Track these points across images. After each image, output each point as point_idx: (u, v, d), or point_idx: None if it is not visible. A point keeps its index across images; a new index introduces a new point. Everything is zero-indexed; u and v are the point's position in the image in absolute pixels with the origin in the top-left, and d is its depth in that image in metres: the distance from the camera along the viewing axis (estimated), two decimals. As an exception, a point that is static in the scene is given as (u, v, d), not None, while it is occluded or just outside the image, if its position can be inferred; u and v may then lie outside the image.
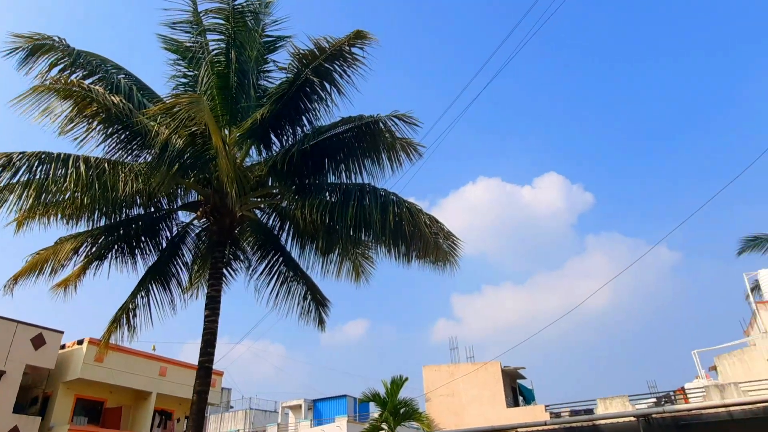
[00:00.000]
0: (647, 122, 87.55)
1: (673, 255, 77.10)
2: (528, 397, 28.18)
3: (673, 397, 21.08)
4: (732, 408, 16.08)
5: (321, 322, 12.25)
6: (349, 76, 9.54)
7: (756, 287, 23.76)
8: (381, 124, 9.50)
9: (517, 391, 27.48)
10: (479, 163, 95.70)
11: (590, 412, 20.01)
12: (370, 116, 9.52)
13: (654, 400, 21.23)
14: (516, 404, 25.70)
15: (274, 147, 10.80)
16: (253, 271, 11.99)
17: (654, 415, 16.70)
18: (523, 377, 27.58)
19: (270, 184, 11.01)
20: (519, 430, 19.64)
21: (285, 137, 10.65)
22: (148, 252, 11.30)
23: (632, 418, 16.57)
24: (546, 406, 22.06)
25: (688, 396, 20.71)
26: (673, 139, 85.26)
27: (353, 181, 10.42)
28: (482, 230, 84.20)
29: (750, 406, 15.83)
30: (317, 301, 12.15)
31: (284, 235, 11.60)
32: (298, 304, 12.02)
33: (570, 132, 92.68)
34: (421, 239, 9.21)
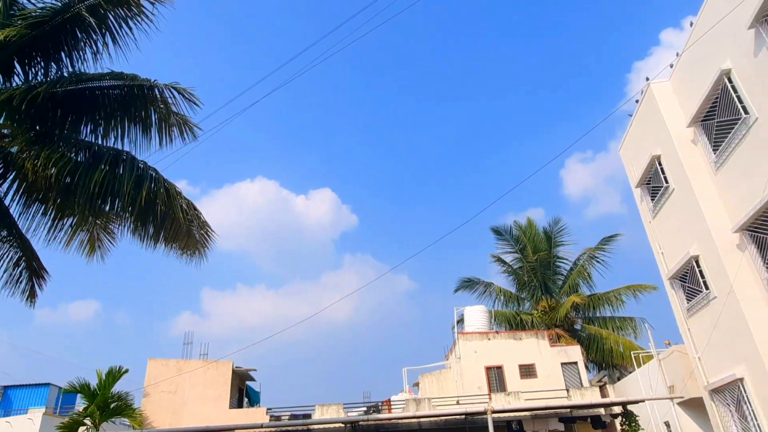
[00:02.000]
0: (421, 162, 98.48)
1: (411, 284, 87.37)
2: (254, 399, 28.40)
3: (380, 407, 23.68)
4: (422, 419, 18.80)
5: (32, 296, 10.42)
6: (130, 28, 8.61)
7: (461, 320, 28.47)
8: (157, 92, 8.78)
9: (244, 393, 27.47)
10: (262, 163, 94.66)
11: (308, 416, 21.18)
12: (146, 79, 8.71)
13: (365, 408, 23.58)
14: (240, 405, 25.65)
15: (17, 79, 9.05)
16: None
17: (361, 422, 18.50)
18: (252, 379, 27.73)
19: (1, 121, 9.14)
20: (236, 431, 19.65)
21: (34, 71, 9.02)
22: None
23: (342, 424, 18.09)
24: (268, 409, 22.55)
25: (393, 407, 23.55)
26: (439, 180, 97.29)
27: (113, 146, 9.33)
28: (249, 229, 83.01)
29: (435, 419, 18.74)
30: (33, 271, 10.32)
31: (5, 185, 9.68)
32: (6, 270, 10.08)
33: (353, 154, 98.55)
34: (174, 223, 8.69)
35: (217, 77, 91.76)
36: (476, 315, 27.11)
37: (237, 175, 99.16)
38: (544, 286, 31.11)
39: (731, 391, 12.61)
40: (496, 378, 24.60)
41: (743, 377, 11.89)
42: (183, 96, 8.96)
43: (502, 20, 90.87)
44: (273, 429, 19.42)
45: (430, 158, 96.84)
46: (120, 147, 9.32)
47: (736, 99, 11.76)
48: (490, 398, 21.49)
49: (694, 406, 17.72)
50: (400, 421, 19.02)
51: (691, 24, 13.65)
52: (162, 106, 8.96)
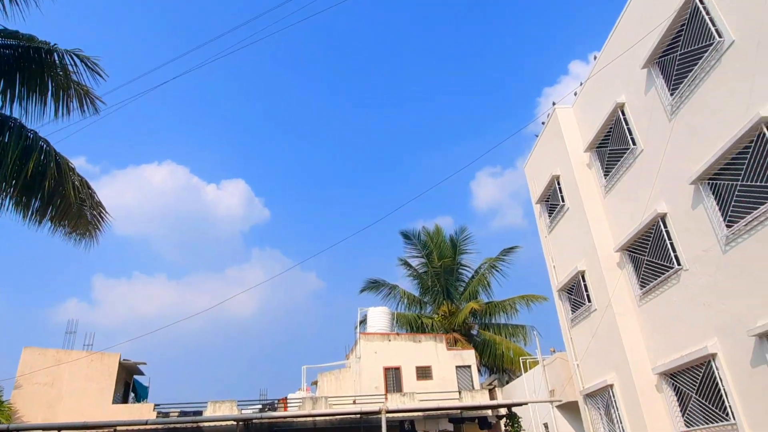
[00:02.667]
0: (341, 162, 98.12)
1: (319, 282, 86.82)
2: (141, 395, 26.80)
3: (275, 405, 23.31)
4: (317, 418, 18.74)
5: None
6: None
7: (364, 320, 28.78)
8: (56, 57, 8.07)
9: (130, 387, 25.85)
10: (173, 147, 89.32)
11: (199, 413, 20.35)
12: (44, 42, 7.98)
13: (260, 406, 23.09)
14: (125, 401, 24.12)
15: None
16: None
17: (254, 421, 18.09)
18: (141, 373, 26.16)
19: None
20: (118, 428, 18.44)
21: None
22: None
23: (233, 422, 17.57)
24: (156, 405, 21.39)
25: (289, 405, 23.28)
26: (357, 181, 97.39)
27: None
28: (151, 215, 78.18)
29: (330, 417, 18.76)
30: None
31: None
32: None
33: (271, 148, 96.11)
34: (64, 201, 8.02)
35: (135, 52, 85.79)
36: (379, 316, 27.52)
37: (143, 157, 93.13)
38: (446, 291, 32.25)
39: (602, 396, 13.82)
40: (393, 379, 25.12)
41: (613, 383, 13.08)
42: (86, 65, 8.31)
43: (429, 41, 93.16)
44: (159, 426, 18.45)
45: (349, 160, 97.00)
46: (8, 113, 8.46)
47: (627, 131, 12.94)
48: (386, 398, 21.90)
49: (570, 409, 19.18)
50: (294, 419, 18.83)
51: (595, 58, 14.84)
52: (61, 73, 8.25)
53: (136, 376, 26.25)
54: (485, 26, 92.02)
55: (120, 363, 22.94)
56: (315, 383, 27.60)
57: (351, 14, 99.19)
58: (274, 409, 22.64)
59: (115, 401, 21.69)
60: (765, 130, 8.48)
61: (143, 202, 76.10)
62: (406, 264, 33.70)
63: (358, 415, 18.67)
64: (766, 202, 8.59)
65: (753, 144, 8.81)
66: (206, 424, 18.48)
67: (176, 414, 21.30)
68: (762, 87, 8.62)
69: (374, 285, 33.00)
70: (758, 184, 8.76)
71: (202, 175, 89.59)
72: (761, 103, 8.59)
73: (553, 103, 17.03)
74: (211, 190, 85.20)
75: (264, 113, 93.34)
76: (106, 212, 8.76)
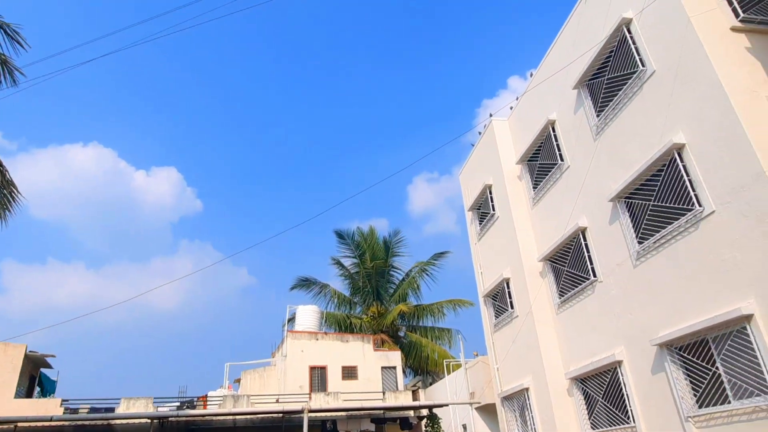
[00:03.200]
0: (280, 159, 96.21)
1: (250, 278, 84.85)
2: (48, 389, 25.05)
3: (195, 403, 22.52)
4: (237, 417, 18.30)
5: None
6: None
7: (293, 318, 28.43)
8: (-32, 21, 7.41)
9: (36, 381, 24.10)
10: (100, 128, 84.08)
11: (111, 410, 19.31)
12: (-46, 3, 7.32)
13: (178, 404, 22.21)
14: (29, 395, 22.47)
15: None
16: None
17: (170, 419, 17.40)
18: (49, 366, 24.47)
19: None
20: (20, 424, 17.16)
21: None
22: None
23: (147, 420, 16.83)
24: (63, 400, 20.08)
25: (209, 403, 22.55)
26: (297, 179, 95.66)
27: None
28: (72, 198, 73.45)
29: (251, 416, 18.37)
30: None
31: None
32: None
33: (210, 138, 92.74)
34: (-32, 177, 7.38)
35: (68, 26, 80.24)
36: (308, 314, 27.28)
37: (67, 136, 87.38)
38: (376, 292, 32.46)
39: (518, 399, 14.40)
40: (319, 378, 24.97)
41: (529, 387, 13.67)
42: (5, 32, 7.71)
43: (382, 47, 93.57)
44: (66, 423, 17.34)
45: (290, 156, 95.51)
46: None
47: (556, 147, 13.58)
48: (310, 398, 21.73)
49: (488, 411, 19.82)
50: (214, 417, 18.28)
51: (531, 75, 15.47)
52: (-27, 37, 7.59)
53: (43, 370, 24.53)
54: (430, 39, 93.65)
55: (26, 355, 21.36)
56: (238, 381, 26.95)
57: (297, 10, 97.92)
58: (193, 407, 21.86)
59: (17, 395, 20.15)
60: (676, 155, 9.17)
61: (63, 184, 71.46)
62: (339, 263, 33.65)
63: (280, 415, 18.41)
64: (673, 222, 9.28)
65: (665, 168, 9.50)
66: (118, 421, 17.57)
67: (86, 410, 20.08)
68: (676, 116, 9.31)
69: (305, 283, 32.70)
70: (667, 205, 9.46)
71: (131, 159, 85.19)
72: (674, 131, 9.28)
73: (490, 115, 17.59)
74: (140, 177, 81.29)
75: (205, 101, 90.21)
76: (18, 193, 8.15)
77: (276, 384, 24.77)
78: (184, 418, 17.60)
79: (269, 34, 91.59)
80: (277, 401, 21.02)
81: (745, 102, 8.12)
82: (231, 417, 18.47)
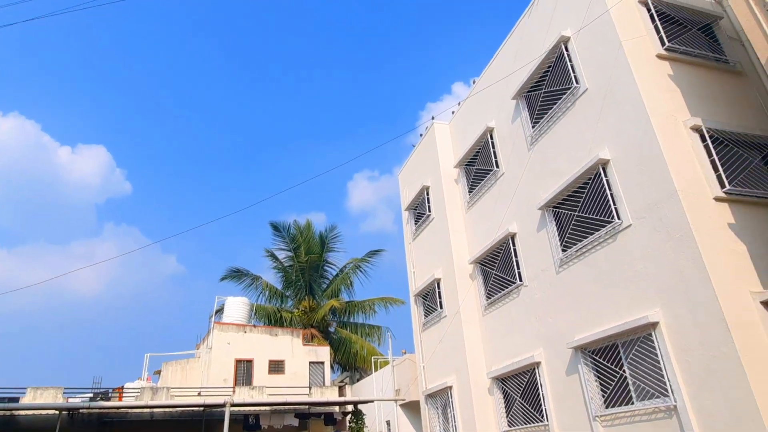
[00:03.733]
0: (220, 147, 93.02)
1: (179, 267, 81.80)
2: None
3: (109, 395, 21.44)
4: (155, 410, 17.61)
5: None
6: None
7: (221, 310, 27.70)
8: None
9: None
10: (24, 98, 78.17)
11: (16, 400, 18.02)
12: None
13: (91, 395, 21.06)
14: None
15: None
16: None
17: (81, 410, 16.48)
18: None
19: None
20: None
21: None
22: None
23: (56, 411, 15.84)
24: (-39, 389, 18.55)
25: (125, 395, 21.54)
26: (235, 168, 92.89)
27: None
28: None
29: (170, 410, 17.73)
30: None
31: None
32: None
33: (144, 117, 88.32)
34: None
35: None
36: (237, 306, 26.67)
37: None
38: (309, 287, 32.22)
39: (441, 397, 14.75)
40: (244, 371, 24.48)
41: (452, 385, 14.03)
42: None
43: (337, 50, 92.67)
44: (-40, 412, 16.01)
45: (229, 143, 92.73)
46: None
47: (492, 153, 14.01)
48: (234, 391, 21.25)
49: (412, 409, 20.19)
50: (129, 410, 17.48)
51: (474, 82, 15.87)
52: None
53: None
54: (377, 45, 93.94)
55: None
56: (158, 373, 25.89)
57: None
58: (108, 399, 20.81)
59: None
60: (601, 170, 9.71)
61: (-26, 154, 65.88)
62: (273, 256, 33.12)
63: (201, 408, 17.89)
64: (594, 233, 9.82)
65: (591, 181, 10.04)
66: (23, 412, 16.43)
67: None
68: (603, 132, 9.86)
69: (237, 274, 31.95)
70: (591, 216, 10.00)
71: (56, 134, 79.92)
72: (601, 147, 9.82)
73: (432, 118, 17.88)
74: (65, 153, 76.42)
75: (142, 80, 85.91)
76: None
77: (199, 377, 24.04)
78: (96, 411, 16.73)
79: (216, 18, 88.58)
80: (199, 394, 20.41)
81: (665, 125, 8.72)
82: (148, 410, 17.74)
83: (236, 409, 17.80)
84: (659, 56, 9.60)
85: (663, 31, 9.78)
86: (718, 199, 8.21)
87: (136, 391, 20.80)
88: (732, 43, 10.54)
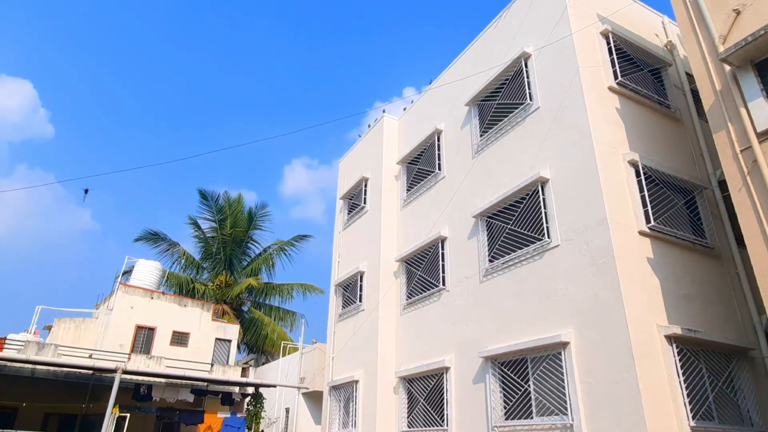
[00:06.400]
0: (162, 103, 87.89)
1: (93, 224, 76.73)
2: None
3: (-13, 344, 19.57)
4: (37, 366, 16.23)
5: None
6: None
7: (130, 271, 26.09)
8: None
9: None
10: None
11: None
12: None
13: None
14: None
15: None
16: None
17: (-50, 355, 14.87)
18: None
19: None
20: None
21: None
22: None
23: None
24: None
25: (7, 347, 19.75)
26: (164, 121, 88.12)
27: None
28: None
29: (54, 368, 16.41)
30: None
31: None
32: None
33: (77, 56, 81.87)
34: None
35: None
36: (148, 270, 25.21)
37: None
38: (229, 261, 31.12)
39: (346, 390, 14.56)
40: (144, 339, 23.18)
41: (359, 380, 13.87)
42: None
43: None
44: None
45: (165, 102, 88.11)
46: None
47: (437, 156, 13.98)
48: (129, 358, 20.03)
49: (314, 398, 19.89)
50: (8, 363, 15.98)
51: (430, 82, 15.81)
52: None
53: None
54: (334, 39, 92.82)
55: None
56: (49, 328, 23.98)
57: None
58: (-17, 348, 18.98)
59: None
60: (540, 188, 9.86)
61: None
62: (196, 224, 31.71)
63: (90, 371, 16.69)
64: (522, 248, 9.96)
65: (528, 197, 10.18)
66: None
67: None
68: (547, 152, 10.02)
69: (153, 237, 30.29)
70: (521, 231, 10.14)
71: (-27, 56, 72.49)
72: (543, 165, 9.98)
73: (383, 111, 17.67)
74: (-20, 77, 69.44)
75: (76, 13, 79.77)
76: None
77: (93, 338, 22.50)
78: (-33, 358, 15.16)
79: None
80: (90, 357, 19.07)
81: (606, 154, 8.97)
82: (30, 366, 16.31)
83: (128, 377, 16.75)
84: (611, 88, 9.88)
85: (618, 65, 10.08)
86: (641, 233, 8.52)
87: (20, 343, 19.11)
88: (675, 91, 11.07)
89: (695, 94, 11.06)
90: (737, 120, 7.08)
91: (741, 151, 6.92)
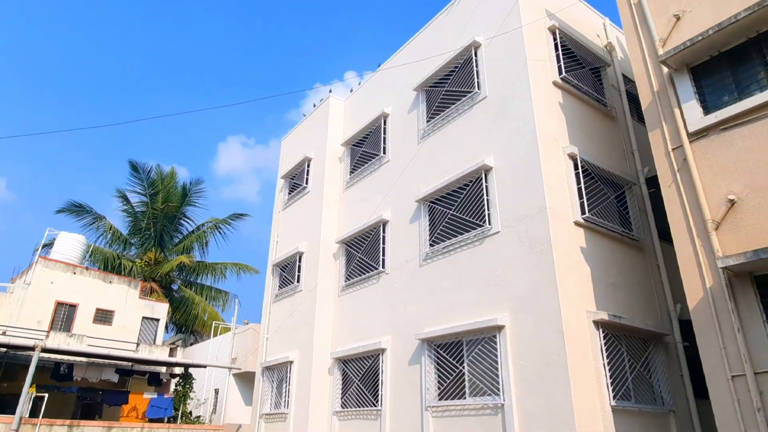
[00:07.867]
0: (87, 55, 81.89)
1: (9, 194, 71.13)
2: None
3: None
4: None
5: None
6: None
7: (51, 245, 24.47)
8: None
9: None
10: None
11: None
12: None
13: None
14: None
15: None
16: None
17: None
18: None
19: None
20: None
21: None
22: None
23: None
24: None
25: None
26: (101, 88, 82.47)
27: None
28: None
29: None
30: None
31: None
32: None
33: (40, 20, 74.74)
34: None
35: None
36: (71, 244, 23.75)
37: None
38: (159, 237, 29.85)
39: (280, 370, 14.41)
40: (65, 316, 21.90)
41: (293, 361, 13.76)
42: None
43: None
44: None
45: (98, 66, 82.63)
46: None
47: (382, 139, 13.95)
48: (47, 336, 18.87)
49: (245, 379, 19.55)
50: None
51: (379, 65, 15.70)
52: None
53: None
54: (277, 27, 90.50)
55: None
56: (-46, 301, 22.12)
57: None
58: None
59: None
60: (483, 175, 10.07)
61: None
62: (125, 198, 30.13)
63: (4, 349, 15.58)
64: (463, 234, 10.16)
65: (471, 184, 10.37)
66: None
67: None
68: (492, 141, 10.23)
69: (77, 209, 28.52)
70: (462, 217, 10.33)
71: None
72: (487, 154, 10.19)
73: (330, 91, 17.40)
74: None
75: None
76: None
77: (8, 314, 20.99)
78: None
79: None
80: (4, 333, 17.79)
81: (547, 146, 9.27)
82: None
83: (47, 355, 15.78)
84: (555, 83, 10.19)
85: (563, 61, 10.41)
86: (577, 224, 8.91)
87: None
88: (612, 90, 11.60)
89: (630, 95, 11.65)
90: (671, 120, 7.51)
91: (673, 149, 7.36)
